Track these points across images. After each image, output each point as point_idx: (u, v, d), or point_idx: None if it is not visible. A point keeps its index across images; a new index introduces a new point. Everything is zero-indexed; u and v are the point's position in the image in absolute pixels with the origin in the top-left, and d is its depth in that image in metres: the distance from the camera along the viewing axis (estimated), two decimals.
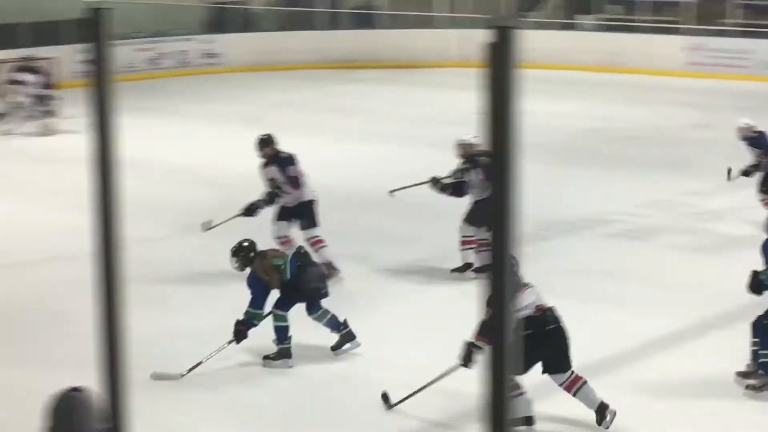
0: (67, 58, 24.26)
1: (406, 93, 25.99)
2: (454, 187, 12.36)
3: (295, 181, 12.30)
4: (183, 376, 9.48)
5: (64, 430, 4.00)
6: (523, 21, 29.33)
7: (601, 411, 8.52)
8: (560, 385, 8.58)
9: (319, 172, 17.51)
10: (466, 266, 12.32)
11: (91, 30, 2.86)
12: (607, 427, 8.52)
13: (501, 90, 2.26)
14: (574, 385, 8.55)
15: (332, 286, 10.51)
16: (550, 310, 8.53)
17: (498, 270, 2.31)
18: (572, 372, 8.56)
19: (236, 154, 18.32)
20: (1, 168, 18.36)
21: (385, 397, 8.94)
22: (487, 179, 10.29)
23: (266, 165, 12.52)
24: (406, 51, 30.08)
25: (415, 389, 8.79)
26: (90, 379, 4.44)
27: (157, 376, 9.47)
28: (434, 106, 23.97)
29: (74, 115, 22.07)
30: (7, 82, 21.58)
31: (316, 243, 12.26)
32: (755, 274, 9.23)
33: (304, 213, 12.39)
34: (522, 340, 7.92)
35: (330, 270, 11.71)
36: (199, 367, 9.49)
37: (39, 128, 21.38)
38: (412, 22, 31.05)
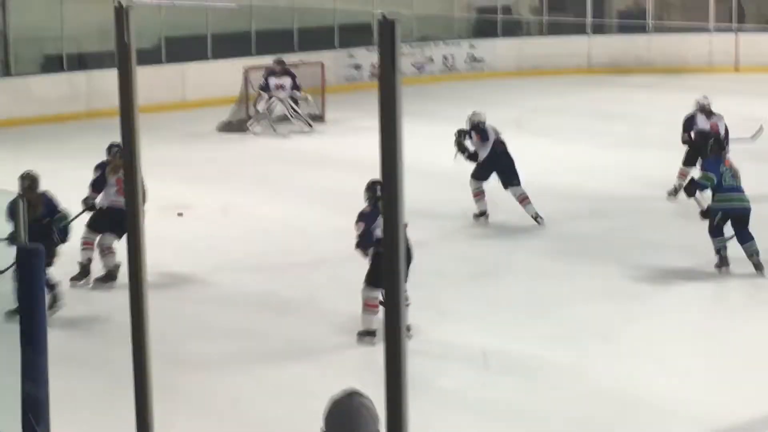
0: (329, 63, 24.89)
1: (675, 98, 25.44)
2: (470, 154, 15.12)
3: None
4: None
5: None
6: None
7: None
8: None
9: (581, 177, 17.50)
10: (482, 213, 15.13)
11: (384, 38, 3.01)
12: None
13: None
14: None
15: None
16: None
17: None
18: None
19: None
20: (260, 170, 18.91)
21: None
22: (480, 141, 14.96)
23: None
24: (675, 55, 29.47)
25: None
26: (367, 381, 4.54)
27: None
28: None
29: (337, 120, 22.72)
30: (262, 86, 22.23)
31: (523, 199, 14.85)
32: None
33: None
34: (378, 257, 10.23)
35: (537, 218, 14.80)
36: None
37: (296, 130, 22.03)
38: (682, 25, 30.41)
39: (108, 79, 21.76)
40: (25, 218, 7.63)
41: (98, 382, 9.92)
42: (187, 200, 16.34)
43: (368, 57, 27.52)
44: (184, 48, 25.19)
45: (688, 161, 16.02)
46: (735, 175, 12.84)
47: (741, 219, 12.63)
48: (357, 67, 27.60)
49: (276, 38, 26.11)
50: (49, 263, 10.64)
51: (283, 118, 22.27)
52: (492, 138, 15.05)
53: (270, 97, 22.03)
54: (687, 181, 13.67)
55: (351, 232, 13.99)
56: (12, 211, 12.71)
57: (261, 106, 22.11)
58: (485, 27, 30.67)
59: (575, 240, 14.35)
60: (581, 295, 12.27)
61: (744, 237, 12.59)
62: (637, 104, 25.05)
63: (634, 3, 32.16)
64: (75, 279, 12.50)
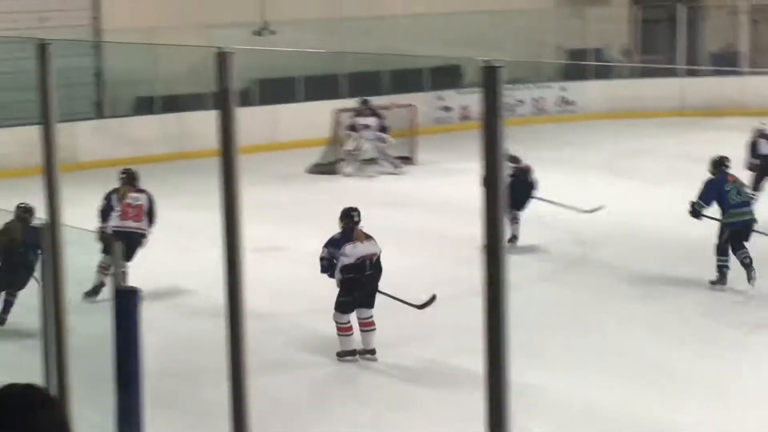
0: (419, 105, 24.97)
1: None
2: None
3: None
4: None
5: None
6: None
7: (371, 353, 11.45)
8: (361, 318, 11.50)
9: (673, 221, 17.28)
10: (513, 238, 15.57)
11: (487, 84, 2.99)
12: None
13: None
14: (369, 326, 11.53)
15: None
16: (371, 259, 11.40)
17: None
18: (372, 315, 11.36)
19: (592, 202, 18.21)
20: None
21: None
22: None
23: None
24: None
25: None
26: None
27: None
28: None
29: (426, 161, 22.73)
30: (349, 127, 22.38)
31: None
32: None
33: None
34: (347, 282, 11.49)
35: None
36: None
37: (384, 171, 22.11)
38: None
39: (199, 120, 22.14)
40: (120, 259, 7.66)
41: (190, 422, 9.94)
42: (279, 242, 16.40)
43: (458, 99, 27.55)
44: (276, 90, 25.41)
45: (756, 186, 16.43)
46: (740, 191, 13.71)
47: (747, 231, 13.60)
48: (447, 109, 27.64)
49: (367, 80, 26.24)
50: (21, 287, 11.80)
51: (372, 160, 22.39)
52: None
53: (358, 138, 22.18)
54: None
55: (441, 275, 13.97)
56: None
57: (350, 146, 22.26)
58: (576, 69, 30.55)
59: (667, 285, 14.16)
60: (674, 342, 12.08)
61: (738, 246, 13.58)
62: (730, 147, 24.69)
63: (727, 45, 31.84)
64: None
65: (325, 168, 22.45)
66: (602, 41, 31.16)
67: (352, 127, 22.33)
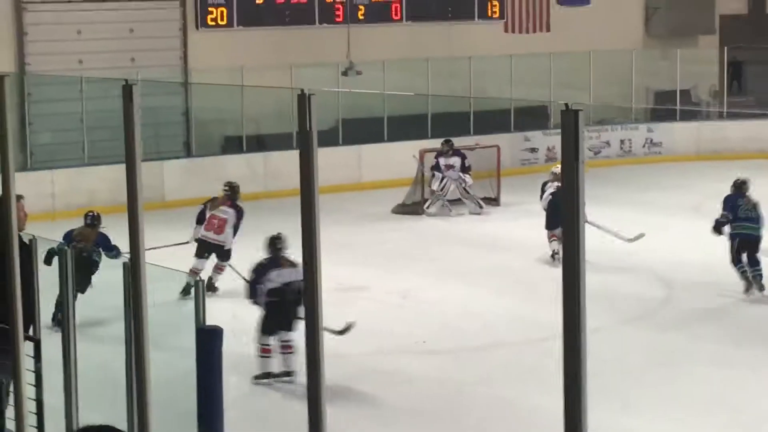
0: (505, 146, 24.92)
1: None
2: None
3: None
4: None
5: None
6: None
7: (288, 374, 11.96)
8: (281, 341, 12.01)
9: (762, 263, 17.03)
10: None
11: (567, 127, 2.97)
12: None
13: None
14: (289, 349, 11.98)
15: None
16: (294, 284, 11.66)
17: None
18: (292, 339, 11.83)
19: (679, 244, 18.05)
20: (434, 252, 18.89)
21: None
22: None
23: None
24: None
25: None
26: None
27: None
28: None
29: (511, 202, 22.65)
30: (434, 167, 22.44)
31: None
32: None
33: None
34: (270, 305, 12.10)
35: None
36: None
37: (469, 211, 22.11)
38: None
39: (285, 160, 22.26)
40: (204, 300, 7.70)
41: None
42: (362, 282, 16.42)
43: (544, 140, 27.46)
44: (361, 130, 25.51)
45: None
46: (752, 207, 15.44)
47: (751, 244, 15.23)
48: (533, 150, 27.54)
49: (452, 121, 26.24)
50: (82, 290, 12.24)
51: (456, 200, 22.41)
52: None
53: (442, 178, 22.21)
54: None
55: (525, 317, 13.90)
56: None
57: (435, 186, 22.31)
58: (663, 110, 30.32)
59: (760, 327, 13.93)
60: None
61: (753, 262, 15.23)
62: None
63: None
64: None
65: (410, 208, 22.46)
66: (690, 82, 30.90)
67: (436, 168, 22.38)
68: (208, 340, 7.85)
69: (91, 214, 14.61)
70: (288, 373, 12.11)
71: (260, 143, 25.24)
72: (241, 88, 24.36)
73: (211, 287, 15.37)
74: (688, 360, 12.98)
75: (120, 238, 9.96)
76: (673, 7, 31.43)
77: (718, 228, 15.59)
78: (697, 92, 31.45)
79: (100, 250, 13.87)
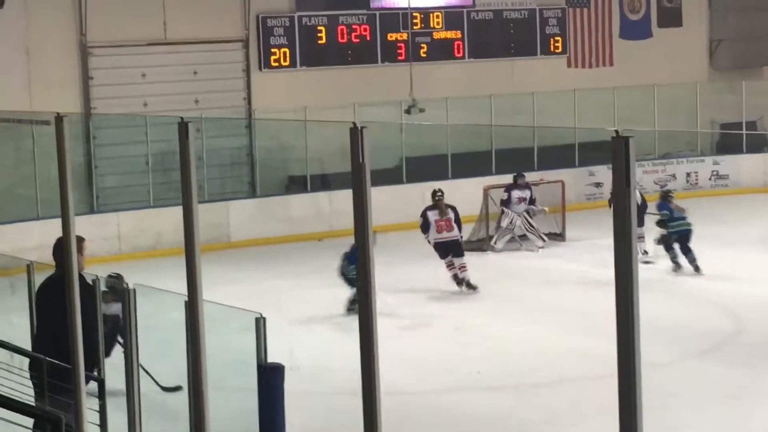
0: (569, 181, 24.78)
1: None
2: None
3: None
4: None
5: None
6: None
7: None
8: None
9: None
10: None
11: (617, 155, 2.96)
12: None
13: None
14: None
15: None
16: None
17: None
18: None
19: (749, 278, 17.84)
20: (498, 288, 18.78)
21: None
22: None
23: None
24: None
25: None
26: None
27: None
28: None
29: (576, 238, 22.50)
30: (504, 201, 22.36)
31: None
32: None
33: None
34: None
35: None
36: None
37: (533, 247, 22.01)
38: None
39: (349, 198, 22.32)
40: (265, 338, 7.72)
41: None
42: (425, 319, 16.37)
43: (609, 175, 27.05)
44: (425, 167, 25.50)
45: None
46: (680, 210, 19.31)
47: (685, 237, 18.95)
48: (598, 185, 27.36)
49: (516, 157, 26.16)
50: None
51: (522, 236, 22.31)
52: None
53: (511, 213, 22.18)
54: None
55: (591, 353, 13.75)
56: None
57: (504, 222, 22.23)
58: (729, 143, 30.04)
59: None
60: None
61: (686, 250, 18.91)
62: None
63: None
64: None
65: (475, 245, 22.37)
66: (757, 114, 30.61)
67: (507, 201, 22.32)
68: (271, 377, 7.86)
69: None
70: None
71: (324, 182, 25.32)
72: (305, 126, 24.50)
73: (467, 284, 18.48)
74: (754, 395, 12.77)
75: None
76: (737, 38, 31.22)
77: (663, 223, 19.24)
78: (764, 124, 31.13)
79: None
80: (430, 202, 19.33)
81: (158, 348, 12.15)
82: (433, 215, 18.94)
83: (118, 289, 11.66)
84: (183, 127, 5.23)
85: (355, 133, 4.33)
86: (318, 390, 12.77)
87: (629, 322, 3.07)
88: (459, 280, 18.44)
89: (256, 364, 7.74)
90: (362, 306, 4.47)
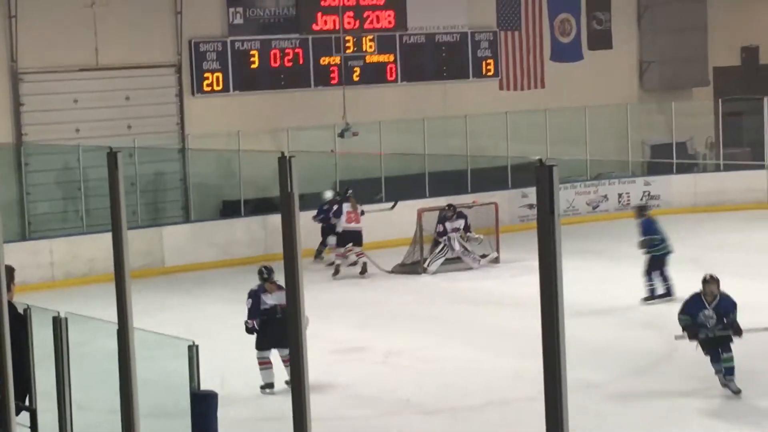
0: (502, 203, 24.92)
1: None
2: None
3: None
4: None
5: None
6: None
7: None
8: (282, 356, 13.30)
9: (762, 315, 17.00)
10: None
11: (541, 183, 3.02)
12: None
13: None
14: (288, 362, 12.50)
15: None
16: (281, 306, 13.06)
17: None
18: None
19: (682, 297, 17.97)
20: (432, 311, 18.86)
21: None
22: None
23: None
24: None
25: None
26: None
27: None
28: None
29: (510, 259, 22.64)
30: (439, 233, 22.49)
31: None
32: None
33: None
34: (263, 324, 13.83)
35: None
36: None
37: (466, 267, 22.18)
38: None
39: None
40: (198, 366, 7.70)
41: None
42: (360, 343, 16.37)
43: None
44: (358, 191, 25.53)
45: None
46: (663, 232, 18.89)
47: (664, 259, 18.62)
48: (531, 206, 27.51)
49: (449, 180, 26.30)
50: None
51: (456, 259, 22.44)
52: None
53: (448, 241, 22.33)
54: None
55: (525, 375, 13.83)
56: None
57: (441, 250, 22.37)
58: (660, 163, 30.37)
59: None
60: None
61: (666, 274, 18.57)
62: None
63: None
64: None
65: (409, 267, 22.46)
66: (686, 135, 30.98)
67: (443, 233, 22.44)
68: (204, 405, 7.84)
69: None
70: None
71: (258, 207, 25.28)
72: (238, 153, 24.46)
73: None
74: (689, 414, 12.92)
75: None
76: (667, 60, 31.62)
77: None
78: (693, 144, 31.53)
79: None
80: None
81: (91, 377, 12.05)
82: (346, 207, 22.29)
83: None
84: (112, 156, 5.23)
85: (284, 163, 4.36)
86: (251, 416, 12.72)
87: (554, 347, 3.13)
88: (338, 270, 21.83)
89: (189, 393, 7.71)
90: (292, 332, 4.49)
